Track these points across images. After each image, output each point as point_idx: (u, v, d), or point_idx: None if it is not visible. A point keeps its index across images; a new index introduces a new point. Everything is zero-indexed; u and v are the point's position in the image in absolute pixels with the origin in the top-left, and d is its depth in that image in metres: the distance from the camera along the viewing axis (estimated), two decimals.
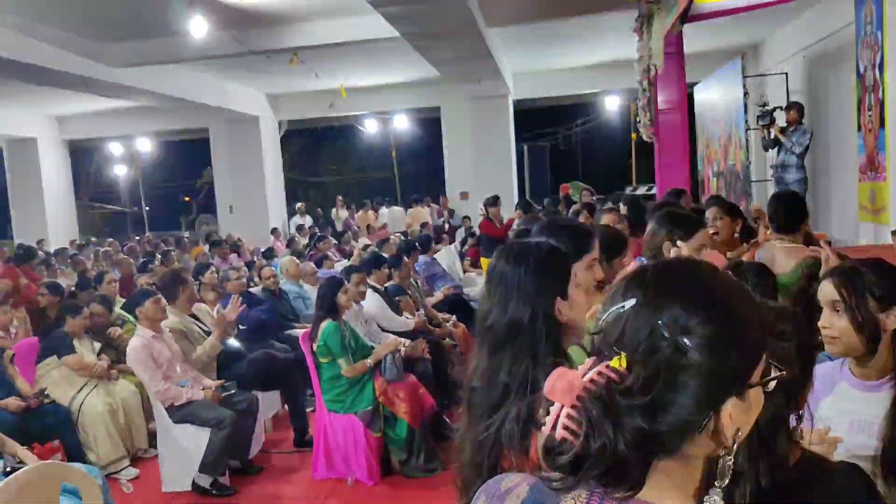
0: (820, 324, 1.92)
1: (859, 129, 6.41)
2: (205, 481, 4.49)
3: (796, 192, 3.92)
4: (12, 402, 4.54)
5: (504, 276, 1.57)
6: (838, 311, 1.87)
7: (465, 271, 9.78)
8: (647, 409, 0.81)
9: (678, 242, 2.60)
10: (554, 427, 0.84)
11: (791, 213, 3.59)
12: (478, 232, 10.44)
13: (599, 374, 0.82)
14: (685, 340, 0.82)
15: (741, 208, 5.23)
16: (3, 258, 12.08)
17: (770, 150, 8.38)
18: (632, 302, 0.86)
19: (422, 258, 8.19)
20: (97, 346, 5.39)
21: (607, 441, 0.80)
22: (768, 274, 2.42)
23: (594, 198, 9.79)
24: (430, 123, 17.57)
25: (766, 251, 3.49)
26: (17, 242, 12.11)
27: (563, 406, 0.83)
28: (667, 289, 0.86)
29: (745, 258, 3.72)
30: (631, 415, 0.81)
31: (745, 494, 1.18)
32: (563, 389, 0.83)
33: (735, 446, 0.86)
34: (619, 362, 0.83)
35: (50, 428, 4.66)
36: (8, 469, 3.36)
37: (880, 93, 5.85)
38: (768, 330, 0.90)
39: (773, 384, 0.90)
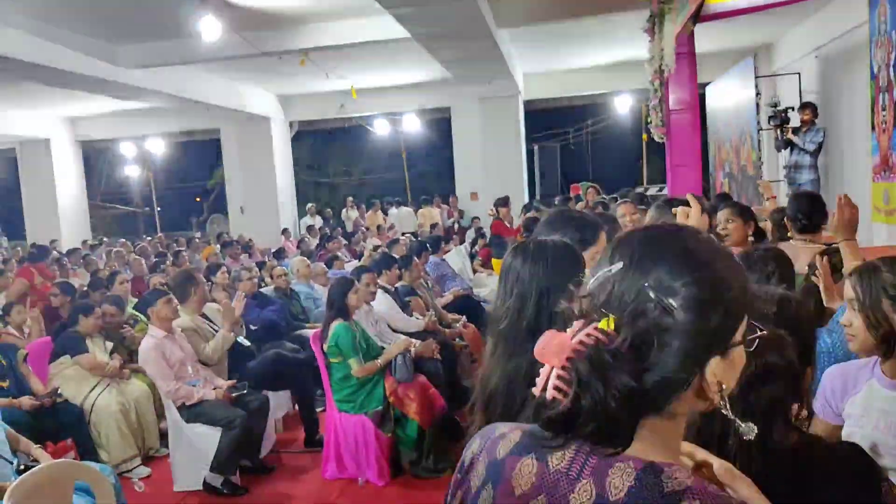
0: (841, 321, 1.95)
1: (873, 129, 6.36)
2: (216, 480, 4.51)
3: (816, 191, 3.89)
4: (26, 401, 4.57)
5: (520, 275, 1.57)
6: (855, 308, 1.89)
7: (475, 272, 9.77)
8: (636, 369, 0.83)
9: None
10: (545, 388, 0.86)
11: (811, 213, 3.56)
12: (488, 232, 10.43)
13: (588, 335, 0.85)
14: (671, 301, 0.84)
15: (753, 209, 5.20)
16: (16, 258, 12.21)
17: (782, 150, 8.33)
18: (619, 266, 0.88)
19: (432, 259, 8.20)
20: (109, 345, 5.43)
21: (597, 399, 0.83)
22: (787, 261, 2.39)
23: (601, 196, 9.76)
24: (441, 124, 17.55)
25: (787, 250, 3.47)
26: (31, 242, 12.19)
27: (552, 367, 0.86)
28: (652, 252, 0.88)
29: None
30: (619, 373, 0.83)
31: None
32: (554, 351, 0.86)
33: (720, 401, 0.88)
34: (607, 324, 0.85)
35: (63, 427, 4.69)
36: (22, 467, 3.38)
37: (894, 93, 5.80)
38: (750, 292, 0.92)
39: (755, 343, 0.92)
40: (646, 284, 0.86)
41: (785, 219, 3.78)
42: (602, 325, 0.85)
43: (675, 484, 0.82)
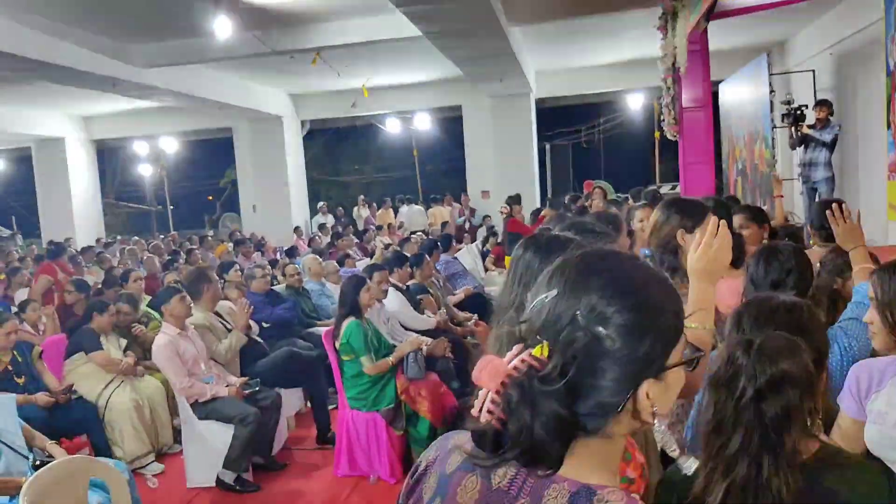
0: (864, 318, 1.97)
1: (889, 126, 6.30)
2: (228, 477, 4.53)
3: (841, 199, 3.82)
4: (41, 398, 4.61)
5: (530, 267, 1.58)
6: (875, 307, 1.91)
7: (486, 270, 9.77)
8: (565, 395, 0.85)
9: (686, 236, 2.52)
10: (481, 410, 0.89)
11: None
12: (500, 231, 10.42)
13: (522, 361, 0.87)
14: (600, 328, 0.86)
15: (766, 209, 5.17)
16: (31, 255, 12.32)
17: (797, 148, 8.27)
18: (553, 292, 0.91)
19: (443, 257, 8.20)
20: (123, 342, 5.47)
21: (523, 424, 0.85)
22: (807, 262, 2.37)
23: (615, 196, 9.71)
24: (452, 122, 17.55)
25: (811, 258, 3.45)
26: (48, 240, 12.32)
27: (489, 391, 0.88)
28: (585, 279, 0.90)
29: None
30: (549, 400, 0.85)
31: (744, 477, 1.20)
32: (489, 375, 0.88)
33: (652, 424, 0.91)
34: (540, 350, 0.87)
35: (77, 423, 4.73)
36: (37, 463, 3.41)
37: None
38: (684, 315, 0.94)
39: (693, 364, 0.96)
40: (577, 311, 0.88)
41: (809, 227, 3.74)
42: (536, 351, 0.88)
43: None
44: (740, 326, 1.53)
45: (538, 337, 0.89)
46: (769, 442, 1.30)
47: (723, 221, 1.69)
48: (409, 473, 1.10)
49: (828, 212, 2.57)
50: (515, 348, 0.90)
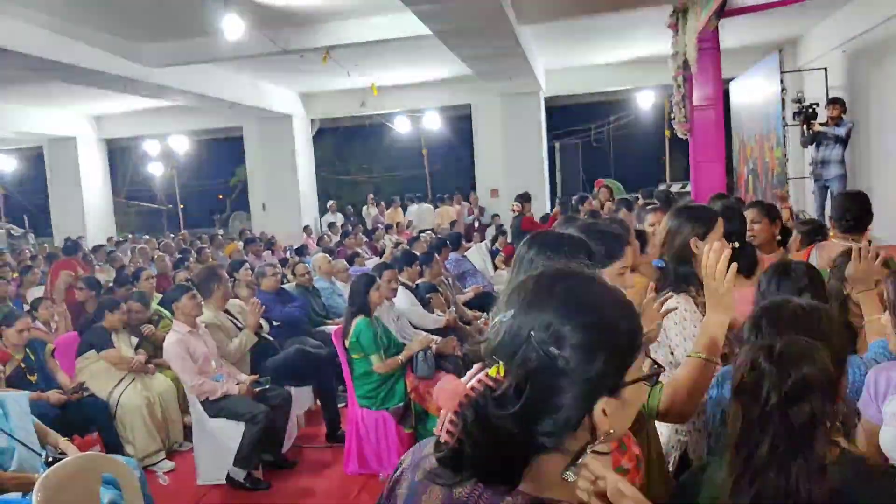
0: (882, 318, 1.97)
1: None
2: (239, 475, 4.54)
3: (863, 192, 3.78)
4: (53, 395, 4.65)
5: (534, 262, 1.61)
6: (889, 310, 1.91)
7: (496, 269, 9.76)
8: (520, 414, 0.86)
9: (698, 243, 2.50)
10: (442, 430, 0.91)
11: (858, 214, 3.49)
12: (509, 230, 10.40)
13: (479, 381, 0.89)
14: (554, 348, 0.87)
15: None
16: (43, 254, 12.41)
17: (808, 146, 8.21)
18: (510, 312, 0.92)
19: (452, 255, 8.20)
20: (135, 340, 5.51)
21: (478, 445, 0.87)
22: (821, 280, 2.36)
23: (625, 196, 9.66)
24: (461, 121, 17.55)
25: (826, 251, 3.41)
26: (65, 237, 12.41)
27: (448, 411, 0.90)
28: (540, 299, 0.91)
29: (798, 256, 3.64)
30: (503, 420, 0.86)
31: (773, 484, 1.19)
32: (447, 396, 0.90)
33: (606, 439, 0.91)
34: (497, 370, 0.89)
35: (89, 420, 4.77)
36: (50, 459, 3.43)
37: None
38: (640, 332, 0.95)
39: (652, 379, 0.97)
40: (531, 331, 0.88)
41: (828, 219, 3.71)
42: (492, 371, 0.89)
43: None
44: (759, 331, 1.52)
45: (494, 357, 0.91)
46: (797, 448, 1.29)
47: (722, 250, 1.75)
48: (390, 476, 1.12)
49: (856, 247, 2.52)
50: (474, 368, 0.93)
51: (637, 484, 1.52)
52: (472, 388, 0.89)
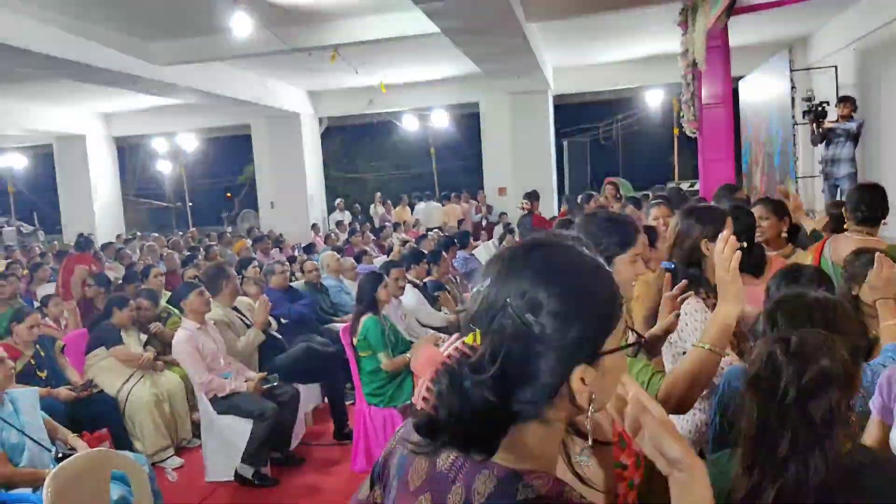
0: None
1: None
2: (247, 472, 4.56)
3: (879, 184, 3.73)
4: (63, 392, 4.67)
5: None
6: None
7: None
8: (496, 381, 0.86)
9: (709, 245, 2.48)
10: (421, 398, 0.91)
11: (873, 205, 3.46)
12: (515, 227, 10.39)
13: (455, 349, 0.89)
14: (529, 315, 0.87)
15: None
16: (52, 251, 12.48)
17: (818, 144, 8.17)
18: (487, 282, 0.92)
19: (460, 254, 8.20)
20: (143, 337, 5.53)
21: (453, 411, 0.86)
22: (828, 280, 2.35)
23: (634, 194, 9.63)
24: (469, 119, 17.54)
25: (839, 243, 3.38)
26: (78, 234, 12.48)
27: (425, 378, 0.90)
28: (516, 267, 0.91)
29: (812, 251, 3.60)
30: (478, 386, 0.86)
31: (794, 480, 1.18)
32: (424, 363, 0.90)
33: (591, 408, 0.90)
34: (473, 338, 0.89)
35: (98, 417, 4.77)
36: (60, 455, 3.46)
37: None
38: (619, 301, 0.94)
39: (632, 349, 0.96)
40: (507, 298, 0.88)
41: (843, 209, 3.66)
42: (468, 339, 0.89)
43: (528, 492, 0.86)
44: (775, 324, 1.51)
45: (471, 325, 0.91)
46: (816, 442, 1.29)
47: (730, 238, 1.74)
48: (385, 448, 1.13)
49: (878, 255, 2.48)
50: (453, 337, 0.92)
51: (636, 482, 1.52)
52: (449, 356, 0.89)
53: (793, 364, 1.31)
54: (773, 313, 1.54)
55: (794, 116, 8.97)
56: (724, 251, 1.72)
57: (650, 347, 2.07)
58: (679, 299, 2.09)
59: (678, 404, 1.81)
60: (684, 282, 2.13)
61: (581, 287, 0.91)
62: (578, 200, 8.84)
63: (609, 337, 0.92)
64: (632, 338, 1.12)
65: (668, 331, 2.05)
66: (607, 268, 0.96)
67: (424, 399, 0.90)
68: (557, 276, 0.90)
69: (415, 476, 0.99)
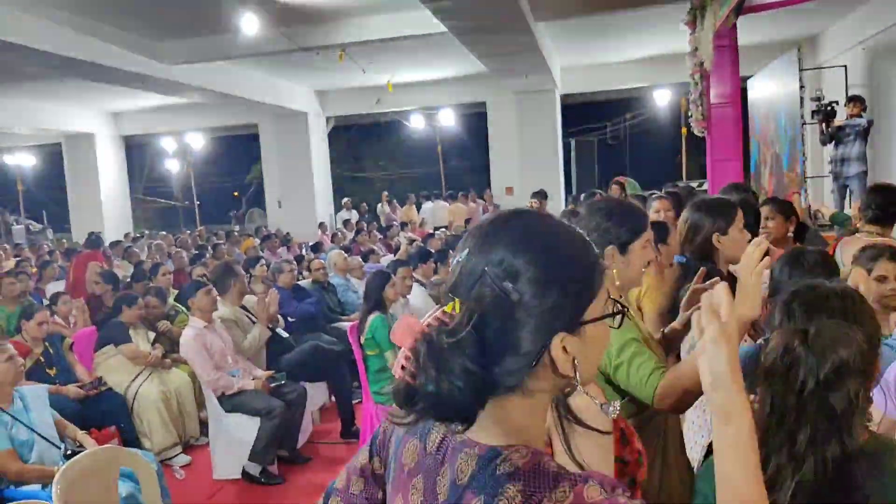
0: None
1: None
2: (254, 469, 4.57)
3: (892, 184, 3.72)
4: (72, 390, 4.70)
5: None
6: None
7: None
8: (474, 348, 0.86)
9: (720, 238, 2.48)
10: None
11: (884, 204, 3.45)
12: None
13: (435, 318, 0.90)
14: (507, 282, 0.87)
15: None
16: (61, 249, 12.54)
17: (827, 144, 8.13)
18: (465, 252, 0.92)
19: None
20: (152, 335, 5.54)
21: (430, 379, 0.86)
22: (833, 266, 2.32)
23: (641, 193, 9.58)
24: (476, 118, 17.53)
25: (850, 245, 3.37)
26: (89, 231, 12.56)
27: (404, 348, 0.90)
28: (493, 236, 0.91)
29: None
30: (456, 354, 0.85)
31: (812, 472, 1.17)
32: (403, 333, 0.90)
33: (577, 377, 0.89)
34: (452, 307, 0.89)
35: (107, 414, 4.80)
36: (69, 452, 3.47)
37: None
38: (598, 269, 0.94)
39: (617, 320, 0.95)
40: (484, 267, 0.89)
41: (857, 209, 3.65)
42: (447, 308, 0.90)
43: (506, 466, 0.85)
44: (791, 315, 1.49)
45: (450, 295, 0.91)
46: (835, 433, 1.28)
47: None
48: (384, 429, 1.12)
49: (851, 275, 2.47)
50: (433, 308, 0.93)
51: (640, 480, 1.51)
52: (428, 325, 0.89)
53: (812, 355, 1.30)
54: (789, 304, 1.51)
55: (802, 116, 8.93)
56: (756, 254, 1.67)
57: (668, 342, 2.06)
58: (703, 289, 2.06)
59: (674, 405, 1.77)
60: (703, 269, 2.10)
61: (559, 254, 0.91)
62: (581, 199, 8.82)
63: (590, 305, 0.91)
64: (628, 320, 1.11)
65: (689, 325, 2.04)
66: (586, 238, 0.96)
67: (403, 367, 0.89)
68: (535, 244, 0.90)
69: (408, 458, 0.99)
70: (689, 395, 1.75)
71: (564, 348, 0.88)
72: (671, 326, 2.11)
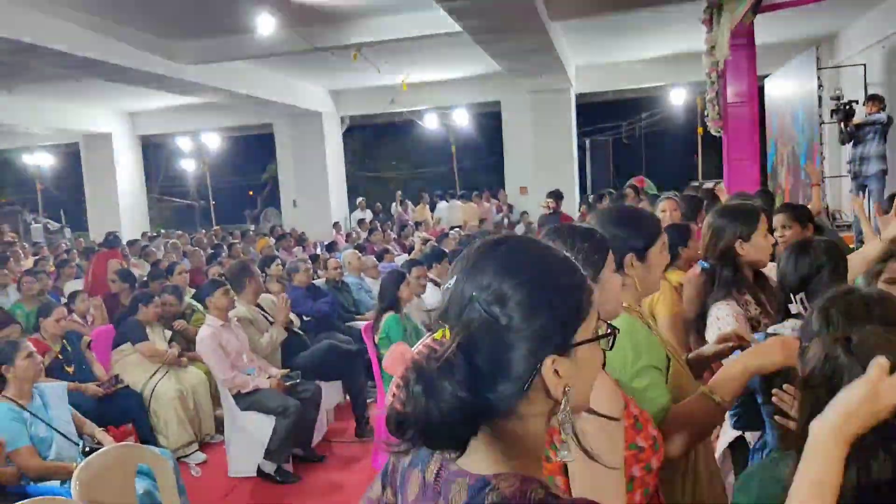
0: None
1: None
2: (269, 468, 4.59)
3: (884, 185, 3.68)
4: (90, 387, 4.75)
5: None
6: None
7: None
8: (464, 375, 0.86)
9: (743, 245, 2.46)
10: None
11: None
12: (536, 227, 10.35)
13: (425, 345, 0.89)
14: (495, 307, 0.88)
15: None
16: (79, 248, 12.65)
17: (846, 144, 8.05)
18: (454, 279, 0.93)
19: None
20: (168, 333, 5.58)
21: (419, 406, 0.86)
22: (840, 254, 2.28)
23: (655, 193, 9.52)
24: (490, 118, 17.51)
25: None
26: (107, 231, 12.67)
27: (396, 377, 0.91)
28: (480, 261, 0.92)
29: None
30: (446, 380, 0.85)
31: (881, 470, 1.15)
32: (394, 362, 0.93)
33: (565, 401, 0.90)
34: (442, 334, 0.90)
35: (124, 412, 4.85)
36: (87, 449, 3.51)
37: None
38: (586, 290, 0.94)
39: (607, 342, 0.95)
40: (472, 293, 0.89)
41: (878, 209, 3.59)
42: (437, 335, 0.90)
43: (494, 496, 0.85)
44: (830, 322, 1.43)
45: (440, 322, 0.92)
46: (881, 443, 1.24)
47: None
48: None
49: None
50: (425, 336, 0.93)
51: (654, 467, 1.49)
52: (419, 353, 0.89)
53: (856, 363, 1.26)
54: (826, 310, 1.46)
55: (820, 115, 8.84)
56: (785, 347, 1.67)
57: (692, 367, 2.00)
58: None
59: (669, 449, 1.63)
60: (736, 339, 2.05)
61: (546, 277, 0.92)
62: (590, 200, 8.78)
63: (580, 327, 0.92)
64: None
65: (719, 356, 1.99)
66: (573, 261, 0.97)
67: (395, 395, 0.90)
68: (522, 268, 0.91)
69: (410, 490, 0.99)
70: (683, 444, 1.66)
71: (556, 371, 0.89)
72: (699, 353, 2.07)
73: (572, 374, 0.90)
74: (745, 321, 2.31)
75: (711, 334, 2.31)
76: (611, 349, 0.98)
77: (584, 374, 0.93)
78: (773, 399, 1.67)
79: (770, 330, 2.18)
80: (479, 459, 0.91)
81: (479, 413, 0.88)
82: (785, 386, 1.68)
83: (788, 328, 2.10)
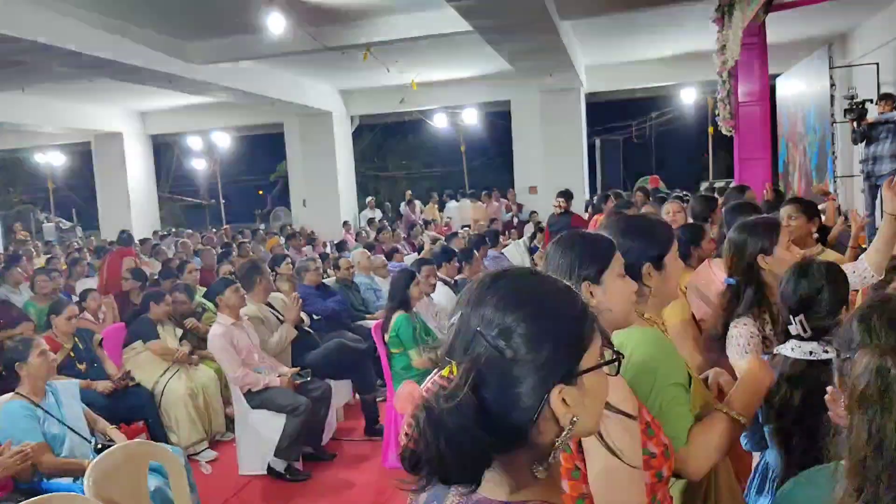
0: None
1: None
2: (279, 466, 4.61)
3: None
4: (102, 384, 4.78)
5: (551, 261, 1.64)
6: None
7: (535, 266, 9.68)
8: (472, 409, 0.87)
9: (766, 259, 2.45)
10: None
11: None
12: (543, 226, 10.33)
13: (433, 382, 0.91)
14: (500, 341, 0.90)
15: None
16: (90, 247, 12.73)
17: (859, 143, 7.99)
18: (458, 315, 0.95)
19: (490, 252, 8.18)
20: (179, 331, 5.61)
21: (430, 444, 0.86)
22: (841, 276, 2.24)
23: (666, 192, 9.50)
24: (500, 117, 17.50)
25: None
26: (120, 230, 12.75)
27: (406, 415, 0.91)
28: (484, 297, 0.94)
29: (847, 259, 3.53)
30: (455, 416, 0.86)
31: None
32: (403, 400, 0.91)
33: (568, 430, 0.91)
34: (449, 370, 0.90)
35: (135, 409, 4.88)
36: (99, 446, 3.53)
37: None
38: (588, 319, 0.95)
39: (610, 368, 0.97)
40: (477, 327, 0.91)
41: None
42: (444, 372, 0.91)
43: None
44: (872, 333, 1.37)
45: (447, 358, 0.93)
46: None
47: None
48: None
49: None
50: (433, 373, 0.94)
51: (665, 475, 1.49)
52: (427, 390, 0.90)
53: None
54: (867, 320, 1.40)
55: (832, 115, 8.79)
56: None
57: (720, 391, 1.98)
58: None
59: (690, 471, 1.65)
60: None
61: (547, 308, 0.93)
62: (595, 201, 8.74)
63: (585, 355, 0.93)
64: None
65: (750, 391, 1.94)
66: (574, 290, 0.99)
67: (406, 434, 0.90)
68: (523, 301, 0.93)
69: None
70: (702, 466, 1.65)
71: (564, 400, 0.90)
72: (726, 383, 2.04)
73: (579, 402, 0.92)
74: (757, 343, 2.32)
75: (731, 351, 2.34)
76: (616, 374, 0.98)
77: (591, 402, 0.95)
78: (830, 414, 1.61)
79: (775, 351, 2.18)
80: (496, 487, 0.92)
81: (492, 446, 0.89)
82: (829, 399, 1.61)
83: (788, 349, 2.12)
